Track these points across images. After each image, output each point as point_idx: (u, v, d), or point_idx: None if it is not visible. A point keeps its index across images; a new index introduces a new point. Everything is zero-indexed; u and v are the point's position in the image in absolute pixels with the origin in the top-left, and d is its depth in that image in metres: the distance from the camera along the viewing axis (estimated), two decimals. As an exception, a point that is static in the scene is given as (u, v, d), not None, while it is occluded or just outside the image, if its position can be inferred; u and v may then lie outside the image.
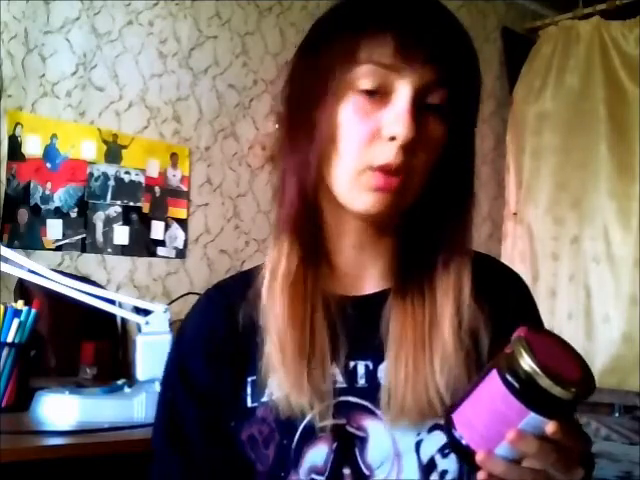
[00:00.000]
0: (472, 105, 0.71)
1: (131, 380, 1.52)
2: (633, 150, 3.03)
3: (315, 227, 0.71)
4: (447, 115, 0.67)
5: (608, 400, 2.89)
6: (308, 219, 0.70)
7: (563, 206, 3.20)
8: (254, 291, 0.72)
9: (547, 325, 0.80)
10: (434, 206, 0.70)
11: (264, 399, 0.70)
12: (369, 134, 0.66)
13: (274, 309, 0.69)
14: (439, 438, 0.68)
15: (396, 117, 0.64)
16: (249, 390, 0.71)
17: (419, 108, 0.65)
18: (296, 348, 0.68)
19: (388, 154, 0.65)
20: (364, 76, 0.65)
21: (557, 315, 3.10)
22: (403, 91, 0.65)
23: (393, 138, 0.65)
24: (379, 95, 0.66)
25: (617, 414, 2.89)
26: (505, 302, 0.75)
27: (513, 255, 3.26)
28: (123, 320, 2.14)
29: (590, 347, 3.00)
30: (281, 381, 0.68)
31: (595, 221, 3.10)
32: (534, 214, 3.28)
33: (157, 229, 2.43)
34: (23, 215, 2.14)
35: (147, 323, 1.44)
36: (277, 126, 0.76)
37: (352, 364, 0.70)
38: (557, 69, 3.33)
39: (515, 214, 3.36)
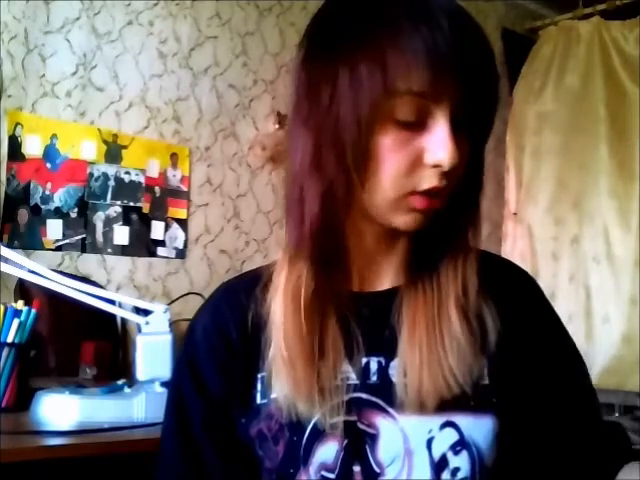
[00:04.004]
0: (492, 114, 0.69)
1: (131, 380, 1.52)
2: (633, 150, 3.03)
3: (333, 240, 0.70)
4: (470, 128, 0.66)
5: (608, 400, 2.89)
6: (327, 236, 0.69)
7: (563, 206, 3.20)
8: (263, 289, 0.73)
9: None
10: (449, 206, 0.69)
11: (273, 395, 0.70)
12: (410, 162, 0.65)
13: (284, 321, 0.69)
14: (451, 435, 0.67)
15: (439, 144, 0.63)
16: (259, 387, 0.72)
17: (453, 128, 0.64)
18: (303, 353, 0.68)
19: (433, 180, 0.65)
20: (402, 107, 0.63)
21: (557, 315, 3.09)
22: (441, 117, 0.64)
23: (437, 165, 0.64)
24: (416, 122, 0.64)
25: (617, 414, 2.89)
26: (514, 300, 0.76)
27: (513, 255, 3.26)
28: (123, 320, 2.14)
29: (590, 347, 3.00)
30: (287, 381, 0.68)
31: (595, 221, 3.10)
32: (534, 214, 3.28)
33: (157, 229, 2.43)
34: (23, 215, 2.14)
35: (147, 323, 1.44)
36: (293, 145, 0.70)
37: (365, 360, 0.70)
38: (557, 69, 3.33)
39: (515, 214, 3.36)
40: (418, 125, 0.64)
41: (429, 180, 0.65)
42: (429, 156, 0.64)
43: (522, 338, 0.74)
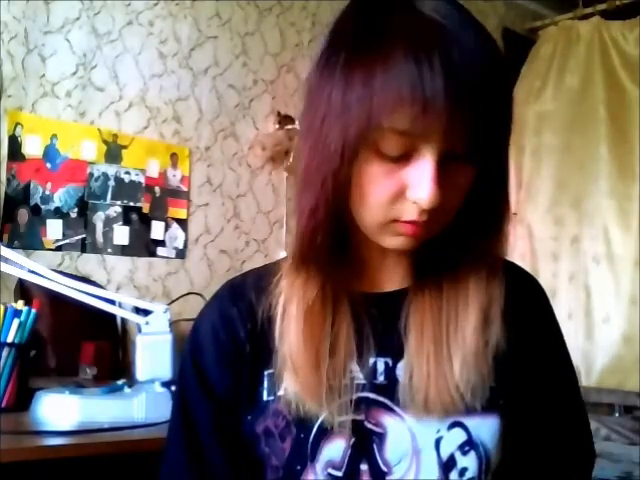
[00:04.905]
0: (504, 130, 0.65)
1: (131, 380, 1.52)
2: (633, 150, 3.03)
3: (330, 245, 0.69)
4: (475, 154, 0.63)
5: (608, 400, 2.89)
6: (323, 243, 0.68)
7: (563, 206, 3.20)
8: (273, 287, 0.72)
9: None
10: (465, 217, 0.67)
11: (280, 392, 0.70)
12: (394, 193, 0.63)
13: (293, 319, 0.69)
14: (459, 435, 0.68)
15: (420, 183, 0.61)
16: (265, 383, 0.72)
17: (445, 161, 0.61)
18: (312, 351, 0.68)
19: (414, 213, 0.63)
20: (387, 141, 0.61)
21: (557, 315, 3.09)
22: (427, 154, 0.61)
23: (417, 202, 0.62)
24: (402, 156, 0.62)
25: (617, 414, 2.90)
26: (526, 311, 0.76)
27: (513, 255, 3.23)
28: (123, 320, 2.14)
29: (590, 347, 3.00)
30: (295, 379, 0.68)
31: (595, 221, 3.10)
32: (534, 214, 3.28)
33: (157, 229, 2.43)
34: (23, 215, 2.14)
35: (147, 323, 1.44)
36: (299, 151, 0.70)
37: (372, 360, 0.70)
38: (557, 69, 3.33)
39: (515, 214, 3.36)
40: (404, 158, 0.62)
41: (410, 213, 0.63)
42: (410, 192, 0.62)
43: (527, 343, 0.74)
